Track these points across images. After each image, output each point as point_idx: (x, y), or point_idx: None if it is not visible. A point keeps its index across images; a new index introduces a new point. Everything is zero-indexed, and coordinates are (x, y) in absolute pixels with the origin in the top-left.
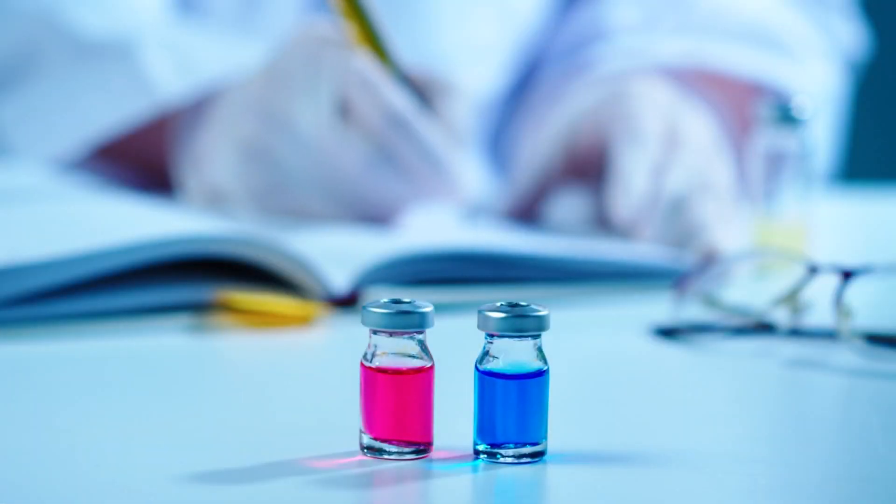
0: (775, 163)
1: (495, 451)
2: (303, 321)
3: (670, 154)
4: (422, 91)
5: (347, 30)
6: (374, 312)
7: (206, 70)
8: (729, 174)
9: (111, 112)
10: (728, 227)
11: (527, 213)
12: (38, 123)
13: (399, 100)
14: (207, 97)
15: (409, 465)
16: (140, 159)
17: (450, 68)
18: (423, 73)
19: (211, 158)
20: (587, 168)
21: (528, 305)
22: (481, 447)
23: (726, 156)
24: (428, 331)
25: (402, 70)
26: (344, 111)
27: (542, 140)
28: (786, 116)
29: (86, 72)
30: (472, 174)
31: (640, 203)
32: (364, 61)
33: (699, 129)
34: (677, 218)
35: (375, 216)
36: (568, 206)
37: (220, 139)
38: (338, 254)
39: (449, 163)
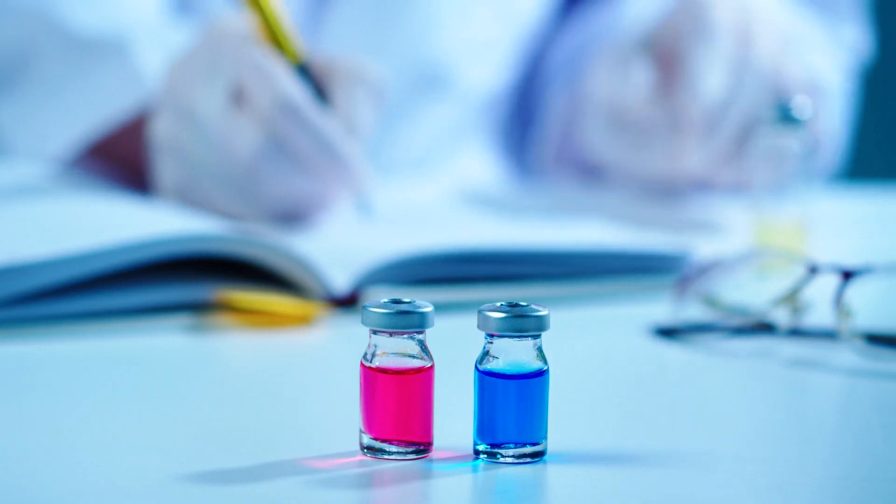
0: (776, 162)
1: (495, 451)
2: (303, 321)
3: (743, 51)
4: (324, 80)
5: (252, 22)
6: (374, 312)
7: None
8: (804, 71)
9: (105, 107)
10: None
11: (564, 157)
12: (36, 123)
13: (292, 88)
14: None
15: (409, 465)
16: (124, 159)
17: (449, 65)
18: (328, 62)
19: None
20: (670, 73)
21: (528, 305)
22: (481, 447)
23: (799, 51)
24: (428, 331)
25: (305, 60)
26: (238, 98)
27: (619, 47)
28: (786, 116)
29: (80, 69)
30: (369, 166)
31: (712, 104)
32: (261, 50)
33: (773, 17)
34: (746, 142)
35: (289, 214)
36: (630, 80)
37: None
38: (338, 254)
39: (345, 153)
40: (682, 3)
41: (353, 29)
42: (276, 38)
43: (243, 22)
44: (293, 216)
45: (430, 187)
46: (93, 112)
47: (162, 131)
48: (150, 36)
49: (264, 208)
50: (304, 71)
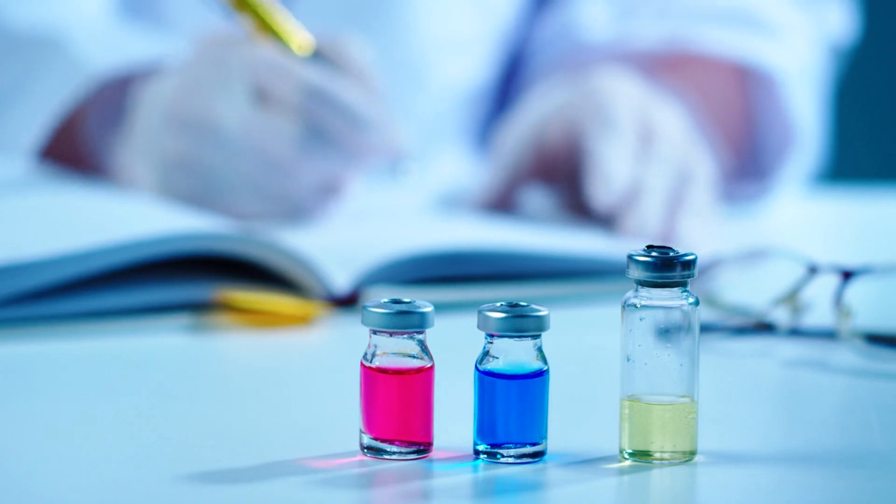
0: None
1: (495, 451)
2: (303, 321)
3: (647, 145)
4: (333, 59)
5: (246, 25)
6: (374, 312)
7: (136, 53)
8: (709, 165)
9: (51, 98)
10: (707, 220)
11: (501, 203)
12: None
13: (310, 72)
14: (116, 96)
15: (409, 465)
16: (66, 158)
17: (426, 60)
18: (328, 43)
19: (133, 174)
20: (556, 169)
21: (528, 305)
22: (481, 447)
23: (703, 146)
24: (428, 331)
25: (310, 47)
26: (261, 98)
27: (510, 139)
28: None
29: (20, 65)
30: (400, 124)
31: (622, 190)
32: (268, 48)
33: (672, 120)
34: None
35: (318, 199)
36: (540, 197)
37: (141, 156)
38: (338, 253)
39: (375, 117)
40: (580, 95)
41: (323, 24)
42: (276, 32)
43: (234, 28)
44: (322, 199)
45: (409, 190)
46: (42, 103)
47: (173, 152)
48: (91, 32)
49: (294, 200)
50: (314, 56)
